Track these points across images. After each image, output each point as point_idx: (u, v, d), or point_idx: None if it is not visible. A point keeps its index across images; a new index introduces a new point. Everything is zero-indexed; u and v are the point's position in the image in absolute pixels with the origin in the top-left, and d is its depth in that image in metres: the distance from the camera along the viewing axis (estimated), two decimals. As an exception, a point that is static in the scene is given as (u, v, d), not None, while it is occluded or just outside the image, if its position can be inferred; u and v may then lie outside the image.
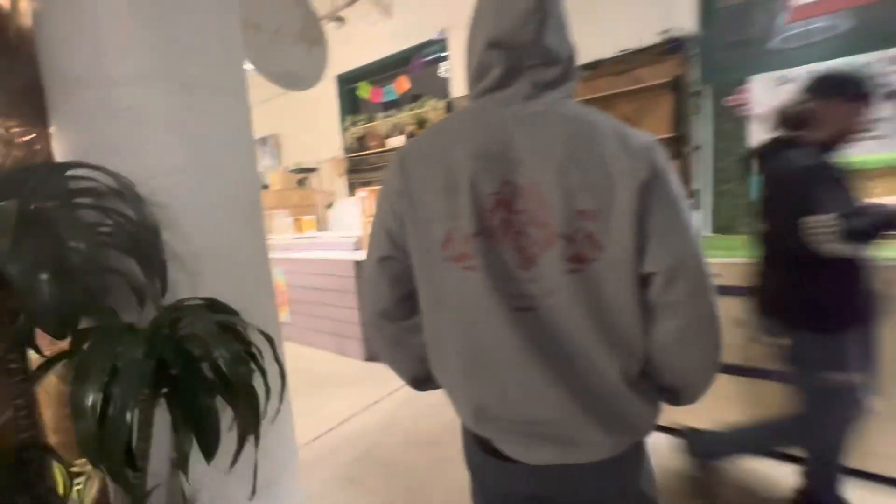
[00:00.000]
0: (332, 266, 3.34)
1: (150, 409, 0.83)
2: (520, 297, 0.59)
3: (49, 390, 1.15)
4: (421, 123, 4.53)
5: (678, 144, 2.90)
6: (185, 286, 1.06)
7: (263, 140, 6.17)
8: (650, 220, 0.56)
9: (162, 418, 0.88)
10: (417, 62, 4.27)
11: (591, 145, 0.57)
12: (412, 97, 4.60)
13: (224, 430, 0.87)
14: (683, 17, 2.86)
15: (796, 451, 1.49)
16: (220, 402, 0.87)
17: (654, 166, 0.56)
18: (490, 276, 0.59)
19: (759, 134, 2.58)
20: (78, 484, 1.06)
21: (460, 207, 0.60)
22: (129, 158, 1.02)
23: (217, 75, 1.17)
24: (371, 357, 3.28)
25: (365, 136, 4.99)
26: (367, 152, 4.93)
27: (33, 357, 0.93)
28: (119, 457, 0.72)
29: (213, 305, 1.03)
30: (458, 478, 1.65)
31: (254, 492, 1.03)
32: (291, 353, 3.59)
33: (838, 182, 1.23)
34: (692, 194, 2.86)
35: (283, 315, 3.81)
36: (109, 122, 1.03)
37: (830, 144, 1.26)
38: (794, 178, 1.23)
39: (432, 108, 4.39)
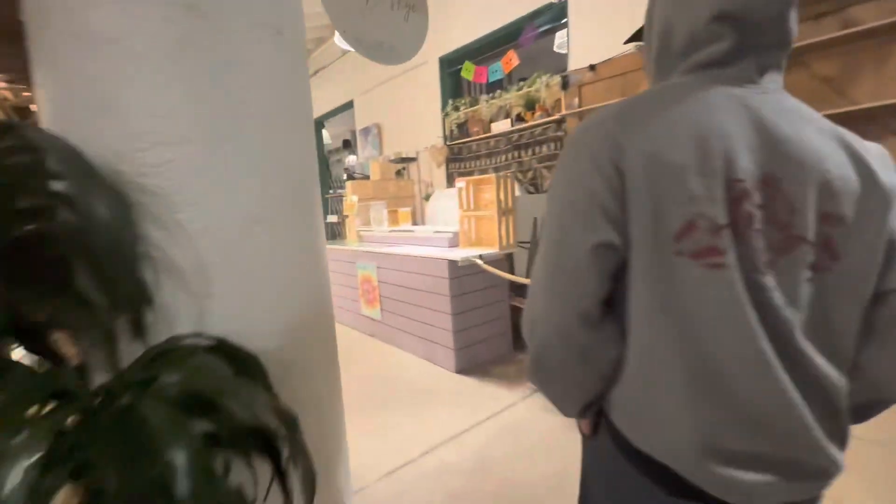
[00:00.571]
0: (424, 264, 3.04)
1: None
2: (765, 305, 0.52)
3: None
4: (530, 104, 3.98)
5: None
6: (186, 316, 0.72)
7: (366, 130, 6.18)
8: None
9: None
10: (530, 33, 3.71)
11: (853, 151, 0.54)
12: (518, 79, 4.09)
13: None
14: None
15: None
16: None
17: None
18: (741, 277, 0.52)
19: None
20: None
21: (710, 191, 0.51)
22: (108, 117, 0.70)
23: None
24: (463, 369, 2.88)
25: (467, 121, 4.62)
26: (468, 139, 4.58)
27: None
28: None
29: (223, 348, 0.68)
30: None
31: None
32: (378, 351, 3.50)
33: None
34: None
35: (374, 312, 3.65)
36: (88, 61, 0.70)
37: None
38: None
39: (545, 86, 3.80)
